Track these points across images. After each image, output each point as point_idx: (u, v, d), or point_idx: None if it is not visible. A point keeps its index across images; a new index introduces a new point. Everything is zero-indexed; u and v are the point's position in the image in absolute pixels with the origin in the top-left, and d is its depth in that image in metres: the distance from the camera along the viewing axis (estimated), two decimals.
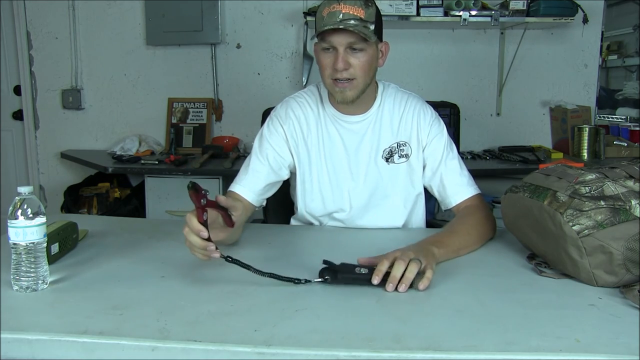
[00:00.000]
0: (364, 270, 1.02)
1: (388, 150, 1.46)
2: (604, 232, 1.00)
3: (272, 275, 1.02)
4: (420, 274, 1.02)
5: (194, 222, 1.03)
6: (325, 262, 1.04)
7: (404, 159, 1.46)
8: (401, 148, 1.46)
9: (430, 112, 1.48)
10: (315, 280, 1.03)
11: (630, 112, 3.64)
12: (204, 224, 1.03)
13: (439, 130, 1.46)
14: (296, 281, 1.02)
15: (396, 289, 1.00)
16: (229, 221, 1.15)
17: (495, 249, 1.29)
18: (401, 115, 1.46)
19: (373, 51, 1.35)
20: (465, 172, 1.46)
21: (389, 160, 1.46)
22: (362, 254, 1.09)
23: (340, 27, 1.27)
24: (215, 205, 1.09)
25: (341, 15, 1.28)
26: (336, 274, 1.02)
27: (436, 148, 1.45)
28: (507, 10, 2.81)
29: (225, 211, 1.13)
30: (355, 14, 1.29)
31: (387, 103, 1.47)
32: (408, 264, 1.01)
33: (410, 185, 1.48)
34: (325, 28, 1.28)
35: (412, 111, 1.46)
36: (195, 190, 1.00)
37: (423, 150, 1.46)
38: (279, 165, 1.45)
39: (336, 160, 1.46)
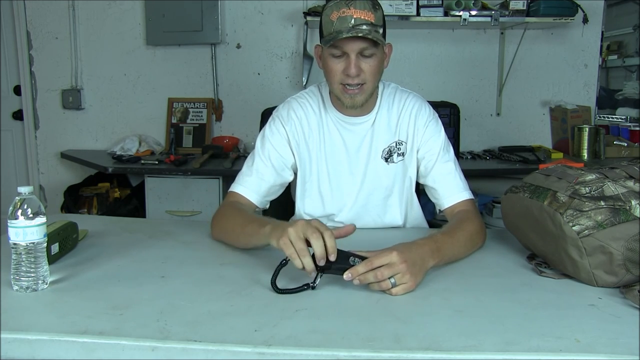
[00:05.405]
0: (357, 261, 1.01)
1: (387, 150, 1.45)
2: (604, 233, 1.00)
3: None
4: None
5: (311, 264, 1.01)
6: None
7: (401, 158, 1.46)
8: (399, 147, 1.45)
9: (428, 112, 1.46)
10: (317, 282, 1.02)
11: (630, 112, 3.64)
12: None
13: (436, 131, 1.45)
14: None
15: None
16: None
17: (495, 249, 1.29)
18: (399, 115, 1.45)
19: (381, 55, 1.34)
20: (461, 176, 1.43)
21: (388, 160, 1.45)
22: None
23: (359, 34, 1.25)
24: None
25: (353, 21, 1.25)
26: (330, 264, 1.01)
27: (431, 148, 1.43)
28: (507, 10, 2.81)
29: None
30: (367, 18, 1.26)
31: (387, 102, 1.46)
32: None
33: (406, 184, 1.47)
34: (343, 36, 1.25)
35: (409, 110, 1.45)
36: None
37: (418, 150, 1.45)
38: (281, 166, 1.44)
39: (337, 161, 1.46)
